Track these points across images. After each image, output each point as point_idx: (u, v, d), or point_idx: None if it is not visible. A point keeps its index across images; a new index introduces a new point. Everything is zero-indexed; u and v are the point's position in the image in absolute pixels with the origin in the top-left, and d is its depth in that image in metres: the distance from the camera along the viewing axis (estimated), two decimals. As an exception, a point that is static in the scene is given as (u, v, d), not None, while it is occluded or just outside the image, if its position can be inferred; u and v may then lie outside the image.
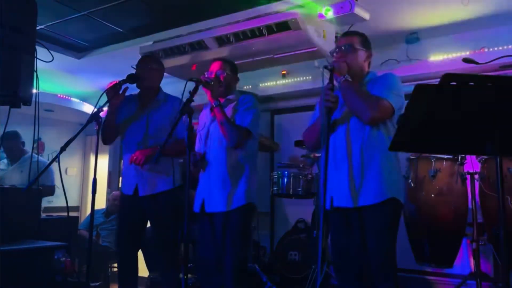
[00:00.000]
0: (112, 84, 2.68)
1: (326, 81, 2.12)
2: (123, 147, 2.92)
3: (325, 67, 2.14)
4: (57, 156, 2.29)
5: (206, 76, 2.54)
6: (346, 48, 2.23)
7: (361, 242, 2.06)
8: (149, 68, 2.87)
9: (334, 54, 2.28)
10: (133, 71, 2.87)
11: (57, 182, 4.22)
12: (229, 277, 2.41)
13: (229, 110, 2.56)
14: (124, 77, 2.74)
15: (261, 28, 3.30)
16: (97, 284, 4.05)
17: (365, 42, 2.28)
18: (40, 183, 3.75)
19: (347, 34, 2.37)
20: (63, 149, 2.30)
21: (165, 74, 3.13)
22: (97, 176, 2.49)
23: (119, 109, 2.87)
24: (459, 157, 3.10)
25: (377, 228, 2.04)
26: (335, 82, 2.15)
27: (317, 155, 3.66)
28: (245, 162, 2.54)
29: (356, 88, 2.11)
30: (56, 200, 4.64)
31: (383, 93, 2.08)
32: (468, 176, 3.09)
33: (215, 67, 2.64)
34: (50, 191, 4.09)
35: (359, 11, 3.08)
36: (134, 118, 2.87)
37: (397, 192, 2.11)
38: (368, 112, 2.03)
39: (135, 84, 2.82)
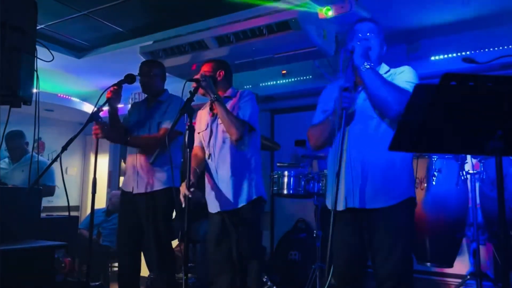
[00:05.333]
0: (113, 89, 2.72)
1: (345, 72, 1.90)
2: (127, 148, 2.98)
3: (346, 50, 1.92)
4: (59, 156, 2.29)
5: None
6: (371, 30, 2.02)
7: (370, 245, 1.92)
8: (151, 75, 2.94)
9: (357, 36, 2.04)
10: (132, 71, 2.90)
11: (58, 182, 4.22)
12: (249, 269, 2.45)
13: (229, 107, 2.57)
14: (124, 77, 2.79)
15: (261, 28, 3.30)
16: (97, 283, 4.04)
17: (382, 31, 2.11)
18: (41, 183, 3.76)
19: (363, 19, 2.15)
20: (64, 149, 2.31)
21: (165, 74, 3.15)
22: (97, 176, 2.50)
23: (130, 113, 3.02)
24: (459, 157, 3.10)
25: (397, 230, 1.89)
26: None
27: (320, 154, 3.66)
28: (250, 157, 2.56)
29: (383, 78, 1.88)
30: (56, 200, 4.64)
31: (406, 86, 1.86)
32: (468, 176, 3.09)
33: (204, 67, 2.67)
34: (51, 191, 4.09)
35: (359, 10, 3.08)
36: (140, 121, 2.94)
37: (413, 191, 1.99)
38: (396, 105, 1.78)
39: (134, 84, 2.86)
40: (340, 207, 1.92)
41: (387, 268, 1.86)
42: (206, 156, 2.61)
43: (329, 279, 1.82)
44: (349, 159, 1.95)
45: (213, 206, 2.56)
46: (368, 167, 1.93)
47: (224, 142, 2.54)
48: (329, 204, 2.02)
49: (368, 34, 2.03)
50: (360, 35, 2.04)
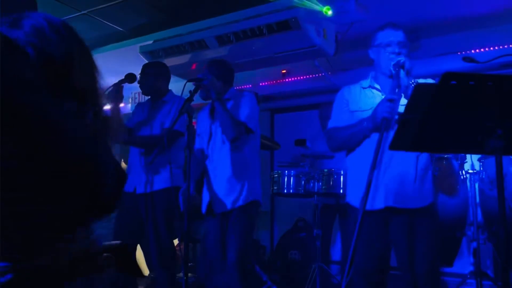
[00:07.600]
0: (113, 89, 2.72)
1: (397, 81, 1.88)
2: (130, 148, 2.98)
3: (398, 64, 1.89)
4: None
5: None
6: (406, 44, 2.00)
7: (403, 245, 2.00)
8: (152, 74, 2.93)
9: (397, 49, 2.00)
10: (132, 71, 2.90)
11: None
12: (232, 273, 2.43)
13: (229, 108, 2.56)
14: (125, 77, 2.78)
15: (261, 27, 3.30)
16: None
17: None
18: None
19: (396, 27, 2.09)
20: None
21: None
22: (97, 176, 2.49)
23: (134, 113, 3.03)
24: (459, 157, 3.10)
25: (428, 232, 2.00)
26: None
27: (320, 154, 3.64)
28: (248, 160, 2.56)
29: None
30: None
31: None
32: (468, 176, 3.09)
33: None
34: None
35: (359, 10, 3.08)
36: (143, 121, 2.94)
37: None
38: None
39: (134, 83, 2.86)
40: (380, 205, 1.97)
41: (427, 260, 1.98)
42: (205, 158, 2.61)
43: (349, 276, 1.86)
44: (388, 162, 1.98)
45: (209, 208, 2.56)
46: (406, 170, 2.00)
47: (223, 144, 2.53)
48: (357, 202, 2.03)
49: (403, 47, 2.02)
50: (397, 45, 2.01)
